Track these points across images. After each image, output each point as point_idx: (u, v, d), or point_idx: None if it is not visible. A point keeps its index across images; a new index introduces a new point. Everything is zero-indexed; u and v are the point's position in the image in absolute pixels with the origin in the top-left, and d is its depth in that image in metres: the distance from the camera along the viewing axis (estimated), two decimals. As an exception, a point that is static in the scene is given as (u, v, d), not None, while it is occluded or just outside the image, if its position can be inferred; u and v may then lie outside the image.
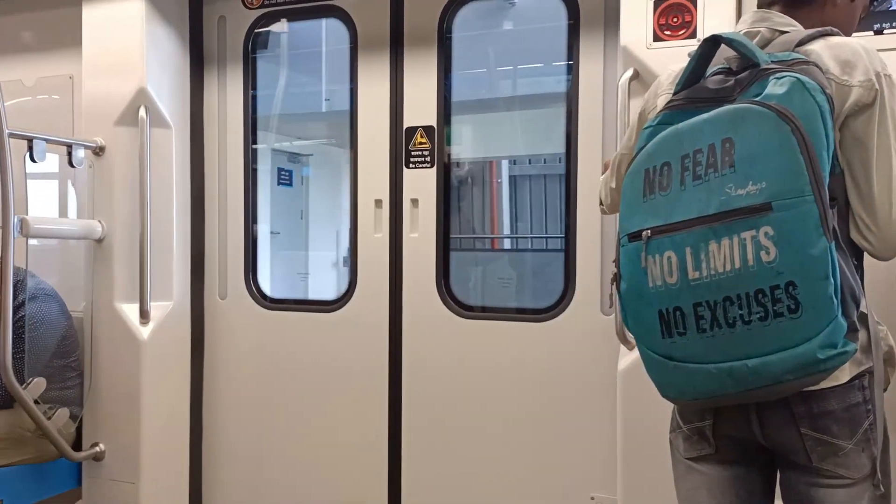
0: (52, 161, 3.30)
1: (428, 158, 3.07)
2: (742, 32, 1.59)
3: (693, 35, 2.38)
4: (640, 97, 2.06)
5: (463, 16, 3.10)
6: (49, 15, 3.43)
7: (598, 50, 2.80)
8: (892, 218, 1.45)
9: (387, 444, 3.15)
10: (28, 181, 3.19)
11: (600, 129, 2.79)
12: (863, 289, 1.49)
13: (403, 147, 3.10)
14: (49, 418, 2.97)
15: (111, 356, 3.18)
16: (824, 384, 1.42)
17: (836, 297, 1.32)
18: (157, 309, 3.18)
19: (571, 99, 2.86)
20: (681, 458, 1.66)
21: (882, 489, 1.49)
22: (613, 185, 1.86)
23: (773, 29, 1.58)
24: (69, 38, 3.27)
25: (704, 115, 1.45)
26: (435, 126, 3.05)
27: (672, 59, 1.79)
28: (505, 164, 5.93)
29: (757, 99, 1.39)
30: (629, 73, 2.46)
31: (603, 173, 1.97)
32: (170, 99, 3.24)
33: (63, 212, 3.56)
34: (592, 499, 2.79)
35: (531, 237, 6.35)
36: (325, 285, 4.66)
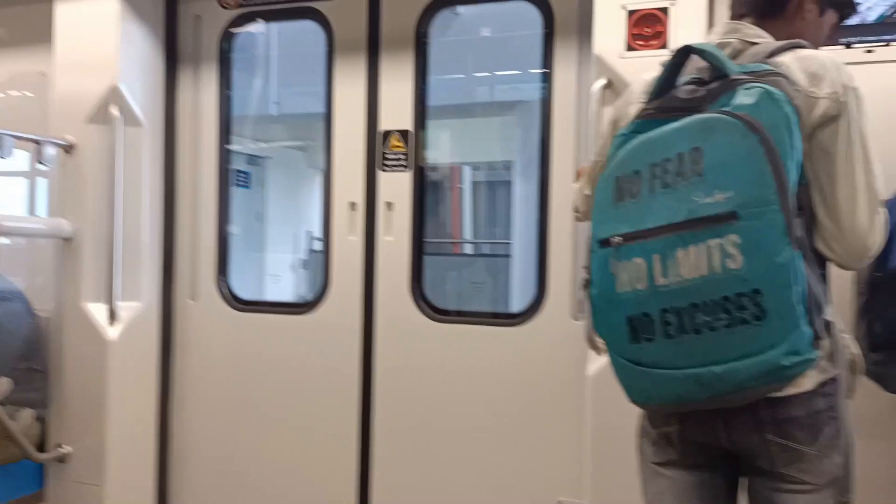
0: (22, 158, 3.25)
1: (403, 162, 3.07)
2: (714, 43, 1.60)
3: (665, 45, 2.41)
4: (612, 105, 2.08)
5: (439, 22, 3.11)
6: (21, 10, 3.38)
7: (572, 58, 2.83)
8: (855, 228, 1.48)
9: (357, 447, 3.14)
10: (-3, 178, 3.15)
11: (574, 136, 2.81)
12: (827, 297, 1.51)
13: (378, 150, 3.10)
14: (13, 419, 2.92)
15: (78, 357, 3.14)
16: (789, 390, 1.44)
17: (801, 305, 1.34)
18: (125, 310, 3.15)
19: (546, 106, 2.88)
20: (648, 463, 1.68)
21: (846, 496, 1.51)
22: (588, 192, 1.87)
23: (745, 40, 1.61)
24: (42, 34, 3.23)
25: (675, 125, 1.47)
26: (411, 130, 3.06)
27: (644, 68, 1.80)
28: (467, 169, 6.02)
29: (726, 109, 1.41)
30: (602, 81, 2.49)
31: (576, 180, 1.98)
32: (143, 97, 3.21)
33: (34, 210, 3.51)
34: (559, 503, 2.81)
35: (489, 242, 6.43)
36: (281, 288, 4.66)
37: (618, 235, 1.50)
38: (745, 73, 1.48)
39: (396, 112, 3.07)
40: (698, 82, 1.54)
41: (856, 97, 1.49)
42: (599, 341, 1.63)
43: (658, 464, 1.65)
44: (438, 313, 3.07)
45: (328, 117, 3.19)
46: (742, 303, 1.34)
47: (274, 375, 3.26)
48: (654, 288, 1.43)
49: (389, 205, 3.08)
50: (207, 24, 3.35)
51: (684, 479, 1.62)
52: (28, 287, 3.23)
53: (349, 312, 3.13)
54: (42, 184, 3.44)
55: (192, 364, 3.38)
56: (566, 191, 2.66)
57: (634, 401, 1.58)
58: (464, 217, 6.09)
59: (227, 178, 3.40)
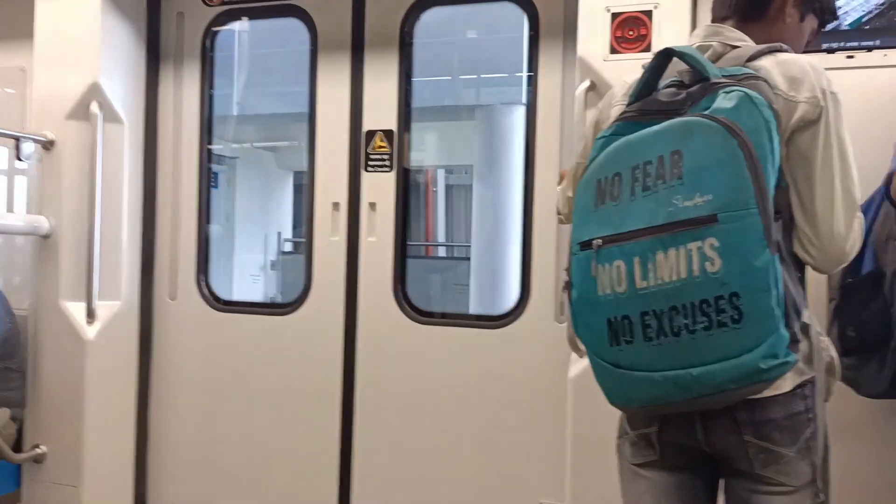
0: (0, 154, 3.22)
1: (387, 162, 3.05)
2: (695, 46, 1.61)
3: (648, 48, 2.42)
4: (596, 108, 2.08)
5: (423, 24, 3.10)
6: (1, 5, 3.35)
7: (557, 61, 2.83)
8: (833, 233, 1.49)
9: (338, 448, 3.12)
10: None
11: (558, 138, 2.81)
12: (805, 300, 1.52)
13: (362, 150, 3.08)
14: (-12, 418, 2.89)
15: (55, 356, 3.10)
16: (767, 393, 1.45)
17: (779, 309, 1.34)
18: (104, 308, 3.12)
19: (531, 109, 2.88)
20: (627, 464, 1.68)
21: (822, 497, 1.52)
22: (571, 195, 1.87)
23: (725, 43, 1.61)
24: (22, 29, 3.19)
25: (655, 127, 1.47)
26: (395, 130, 3.05)
27: (627, 71, 1.81)
28: (441, 172, 6.05)
29: (706, 112, 1.42)
30: (586, 84, 2.49)
31: (560, 183, 1.98)
32: (123, 94, 3.18)
33: (12, 207, 3.47)
34: (540, 504, 2.81)
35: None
36: (250, 288, 4.63)
37: (598, 238, 1.50)
38: (725, 76, 1.48)
39: (381, 112, 3.06)
40: (679, 85, 1.55)
41: (835, 102, 1.50)
42: (580, 343, 1.63)
43: (637, 465, 1.65)
44: (421, 315, 3.06)
45: (311, 117, 3.17)
46: (721, 306, 1.34)
47: (255, 376, 3.23)
48: (634, 291, 1.43)
49: (373, 205, 3.07)
50: (190, 21, 3.33)
51: (664, 480, 1.63)
52: (5, 285, 3.20)
53: (331, 313, 3.12)
54: (20, 180, 3.41)
55: (172, 364, 3.35)
56: (550, 193, 2.66)
57: (613, 402, 1.58)
58: (437, 219, 6.11)
59: (209, 177, 3.38)
